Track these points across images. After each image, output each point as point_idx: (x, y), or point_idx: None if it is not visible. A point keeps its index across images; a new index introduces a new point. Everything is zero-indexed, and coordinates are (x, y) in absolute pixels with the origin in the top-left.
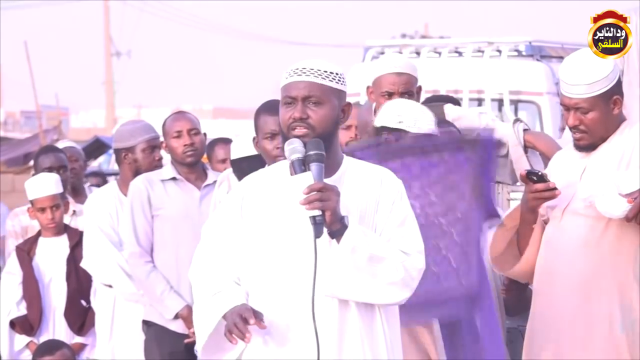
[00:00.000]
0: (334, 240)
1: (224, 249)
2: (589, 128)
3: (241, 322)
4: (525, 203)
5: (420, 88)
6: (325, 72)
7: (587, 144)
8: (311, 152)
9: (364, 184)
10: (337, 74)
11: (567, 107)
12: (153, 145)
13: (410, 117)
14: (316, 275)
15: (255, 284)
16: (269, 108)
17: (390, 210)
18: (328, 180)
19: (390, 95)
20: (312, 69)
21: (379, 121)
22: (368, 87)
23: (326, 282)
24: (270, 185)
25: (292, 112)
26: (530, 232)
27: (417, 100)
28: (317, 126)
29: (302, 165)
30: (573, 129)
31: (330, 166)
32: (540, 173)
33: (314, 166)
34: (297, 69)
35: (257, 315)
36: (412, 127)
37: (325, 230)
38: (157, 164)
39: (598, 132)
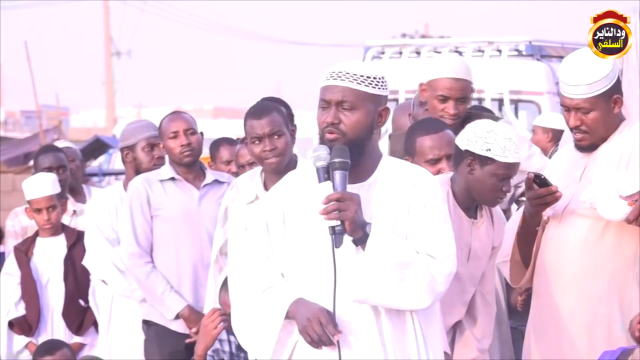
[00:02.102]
0: (360, 247)
1: (261, 258)
2: (590, 128)
3: (320, 328)
4: (528, 207)
5: (473, 90)
6: (362, 76)
7: (588, 144)
8: (335, 160)
9: (397, 188)
10: (374, 78)
11: (568, 107)
12: (153, 144)
13: (498, 146)
14: (336, 284)
15: (287, 286)
16: (254, 112)
17: (421, 214)
18: (359, 185)
19: (445, 99)
20: (348, 73)
21: (463, 143)
22: (421, 84)
23: (352, 288)
24: (297, 194)
25: (326, 117)
26: (533, 238)
27: (469, 102)
28: (348, 132)
29: (326, 172)
30: (574, 129)
31: (364, 171)
32: (543, 177)
33: (337, 174)
34: (334, 72)
35: (333, 320)
36: (500, 157)
37: (351, 238)
38: (156, 162)
39: (599, 132)
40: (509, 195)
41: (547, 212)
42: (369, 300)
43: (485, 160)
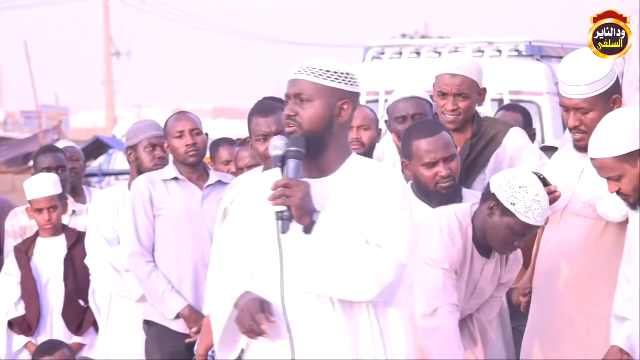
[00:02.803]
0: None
1: (230, 254)
2: (590, 128)
3: (252, 320)
4: None
5: (484, 90)
6: (322, 70)
7: (588, 144)
8: (289, 149)
9: (359, 185)
10: (335, 72)
11: (567, 108)
12: (155, 144)
13: (524, 205)
14: (283, 271)
15: (247, 280)
16: (261, 110)
17: (376, 206)
18: (321, 180)
19: (444, 95)
20: (308, 68)
21: (494, 186)
22: (434, 85)
23: (297, 277)
24: (260, 185)
25: (286, 110)
26: (533, 240)
27: (480, 103)
28: (305, 124)
29: (280, 161)
30: (573, 129)
31: (328, 166)
32: (542, 177)
33: (289, 162)
34: (297, 67)
35: (266, 308)
36: (522, 216)
37: (301, 227)
38: (157, 162)
39: None
40: None
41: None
42: (314, 290)
43: (506, 212)
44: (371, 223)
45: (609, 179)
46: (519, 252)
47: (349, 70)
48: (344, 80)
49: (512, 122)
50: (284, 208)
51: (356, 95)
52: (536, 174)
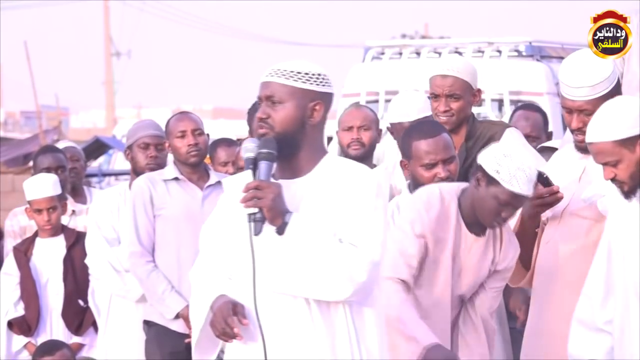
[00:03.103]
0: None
1: (210, 253)
2: None
3: (225, 323)
4: (527, 209)
5: (479, 91)
6: (292, 72)
7: None
8: (261, 151)
9: (333, 184)
10: (306, 73)
11: (570, 109)
12: (148, 143)
13: (508, 172)
14: (255, 274)
15: (224, 283)
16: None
17: (349, 205)
18: (294, 181)
19: (436, 97)
20: (279, 70)
21: (480, 157)
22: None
23: (270, 278)
24: (235, 188)
25: (258, 113)
26: (532, 239)
27: (475, 104)
28: (276, 126)
29: (252, 163)
30: (576, 131)
31: (301, 167)
32: (545, 176)
33: (261, 164)
34: (268, 70)
35: (238, 311)
36: (506, 183)
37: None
38: (149, 162)
39: None
40: None
41: (546, 214)
42: (288, 290)
43: (491, 180)
44: (344, 222)
45: (605, 164)
46: (514, 236)
47: (321, 71)
48: (315, 81)
49: (531, 121)
50: (256, 210)
51: (328, 95)
52: (539, 172)
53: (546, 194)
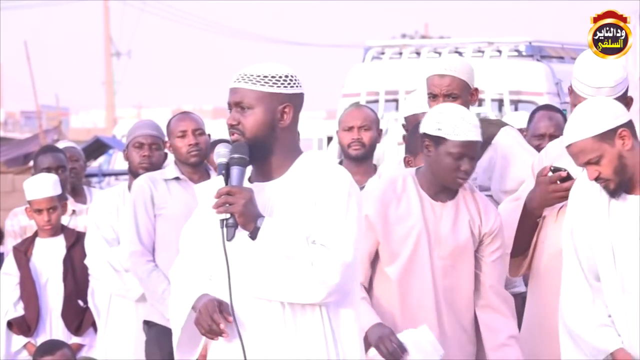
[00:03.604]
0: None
1: (190, 255)
2: None
3: (211, 320)
4: (541, 200)
5: (477, 90)
6: (259, 76)
7: None
8: (232, 156)
9: (306, 185)
10: (273, 77)
11: None
12: (142, 142)
13: (449, 125)
14: (230, 278)
15: (204, 283)
16: None
17: (322, 206)
18: (267, 184)
19: (434, 97)
20: (245, 75)
21: (421, 128)
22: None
23: (245, 283)
24: (210, 193)
25: (228, 119)
26: (534, 229)
27: (473, 103)
28: (246, 131)
29: (224, 169)
30: None
31: (274, 169)
32: (565, 170)
33: (232, 170)
34: (236, 75)
35: (223, 309)
36: (451, 135)
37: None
38: (141, 161)
39: None
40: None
41: (546, 210)
42: (262, 294)
43: (437, 140)
44: (316, 223)
45: (588, 163)
46: (490, 203)
47: (288, 72)
48: (282, 84)
49: (555, 121)
50: (228, 215)
51: (298, 96)
52: (557, 168)
53: (556, 179)
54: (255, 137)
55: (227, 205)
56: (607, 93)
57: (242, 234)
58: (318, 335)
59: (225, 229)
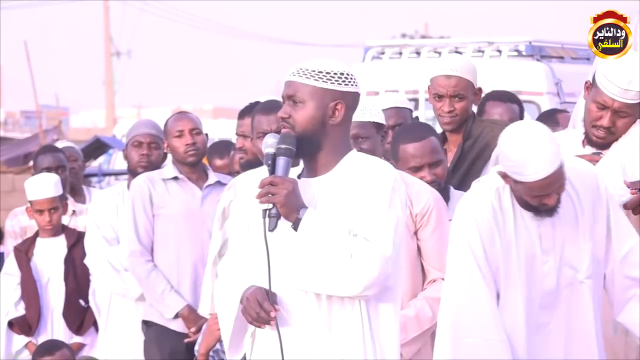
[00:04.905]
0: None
1: (238, 254)
2: (618, 130)
3: (257, 306)
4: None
5: (480, 90)
6: (314, 71)
7: (607, 143)
8: (279, 146)
9: (352, 182)
10: (327, 73)
11: (604, 106)
12: (140, 141)
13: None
14: (270, 268)
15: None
16: (264, 108)
17: (366, 200)
18: (316, 179)
19: (440, 97)
20: (302, 69)
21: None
22: (429, 87)
23: (284, 274)
24: (252, 184)
25: (280, 112)
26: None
27: (476, 103)
28: (296, 125)
29: (270, 159)
30: (601, 128)
31: (323, 166)
32: (601, 153)
33: (279, 160)
34: (292, 68)
35: (271, 297)
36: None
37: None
38: (139, 159)
39: (622, 134)
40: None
41: None
42: (300, 286)
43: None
44: (358, 216)
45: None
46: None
47: (344, 70)
48: (337, 81)
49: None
50: (270, 205)
51: (351, 94)
52: (596, 153)
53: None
54: (304, 131)
55: (270, 195)
56: (632, 97)
57: (284, 225)
58: (355, 331)
59: (267, 219)
